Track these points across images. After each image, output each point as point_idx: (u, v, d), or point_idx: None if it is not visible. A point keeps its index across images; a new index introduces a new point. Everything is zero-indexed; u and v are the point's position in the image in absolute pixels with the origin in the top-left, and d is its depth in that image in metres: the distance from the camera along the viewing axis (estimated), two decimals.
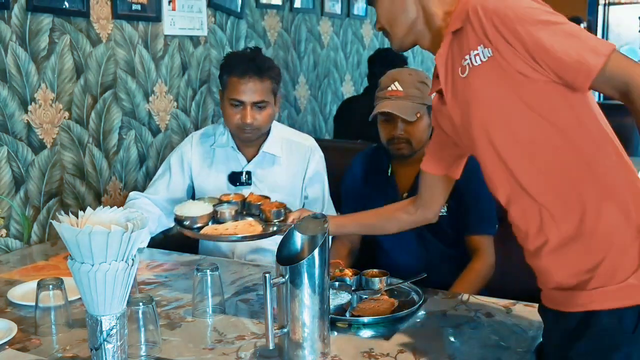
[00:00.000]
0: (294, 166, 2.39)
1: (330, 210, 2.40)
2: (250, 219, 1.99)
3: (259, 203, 2.03)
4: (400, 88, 2.12)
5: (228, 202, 2.04)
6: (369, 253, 2.29)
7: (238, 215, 2.00)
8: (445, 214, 2.16)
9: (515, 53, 1.27)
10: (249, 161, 2.37)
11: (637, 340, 1.30)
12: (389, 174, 2.24)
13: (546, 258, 1.38)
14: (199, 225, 1.92)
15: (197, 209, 1.95)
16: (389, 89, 2.14)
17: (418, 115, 2.11)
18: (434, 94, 1.53)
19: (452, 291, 1.99)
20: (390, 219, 1.85)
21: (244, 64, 2.22)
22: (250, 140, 2.34)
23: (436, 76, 1.51)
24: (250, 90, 2.21)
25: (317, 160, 2.42)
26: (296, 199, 2.39)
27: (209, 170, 2.39)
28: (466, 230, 2.16)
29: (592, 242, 1.32)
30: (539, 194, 1.35)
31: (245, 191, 2.35)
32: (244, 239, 1.90)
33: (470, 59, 1.33)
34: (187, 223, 1.91)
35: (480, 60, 1.32)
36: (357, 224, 1.94)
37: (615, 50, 1.22)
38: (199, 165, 2.39)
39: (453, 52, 1.39)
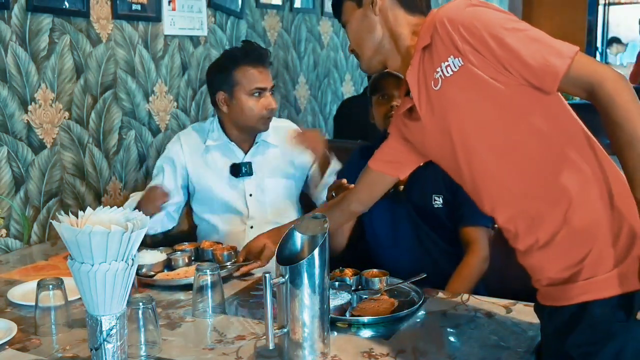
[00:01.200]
0: (286, 149, 2.45)
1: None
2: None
3: (212, 249, 2.13)
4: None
5: (182, 250, 2.14)
6: (368, 253, 2.29)
7: (191, 262, 2.09)
8: (441, 206, 2.15)
9: (485, 60, 1.31)
10: (245, 152, 2.42)
11: (630, 329, 1.31)
12: None
13: (537, 255, 1.40)
14: (152, 273, 2.01)
15: (151, 258, 2.04)
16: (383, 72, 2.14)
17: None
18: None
19: (448, 289, 1.99)
20: (330, 217, 1.84)
21: (255, 52, 2.31)
22: (267, 127, 2.39)
23: (404, 94, 1.54)
24: (266, 76, 2.32)
25: None
26: (299, 183, 2.48)
27: (206, 167, 2.41)
28: (460, 221, 2.15)
29: (579, 234, 1.34)
30: (525, 195, 1.38)
31: (248, 181, 2.40)
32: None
33: (442, 70, 1.37)
34: (142, 271, 1.98)
35: (452, 70, 1.35)
36: None
37: (578, 52, 1.27)
38: (194, 164, 2.42)
39: (424, 68, 1.41)
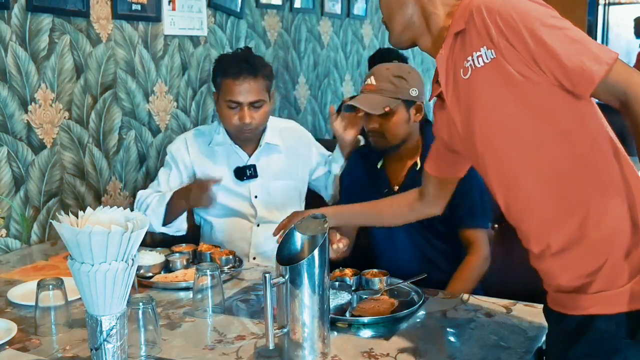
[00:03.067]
0: (293, 152, 2.46)
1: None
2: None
3: (210, 252, 2.12)
4: (373, 82, 2.15)
5: (180, 252, 2.14)
6: (368, 253, 2.29)
7: (189, 264, 2.09)
8: None
9: (518, 55, 1.25)
10: (249, 155, 2.41)
11: (635, 346, 1.29)
12: (379, 167, 2.25)
13: (549, 261, 1.37)
14: (150, 274, 2.02)
15: (150, 259, 2.05)
16: (365, 83, 2.18)
17: (387, 109, 2.11)
18: (434, 99, 1.52)
19: (448, 288, 1.99)
20: (396, 212, 1.82)
21: (238, 64, 2.25)
22: (250, 140, 2.37)
23: (436, 80, 1.50)
24: (245, 90, 2.24)
25: (312, 139, 2.55)
26: (303, 184, 2.48)
27: (212, 168, 2.40)
28: (459, 224, 2.15)
29: (594, 246, 1.31)
30: (540, 200, 1.34)
31: (253, 184, 2.40)
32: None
33: (473, 60, 1.32)
34: (140, 272, 1.98)
35: (483, 61, 1.30)
36: (362, 214, 1.91)
37: (617, 58, 1.22)
38: (201, 166, 2.41)
39: (455, 54, 1.37)
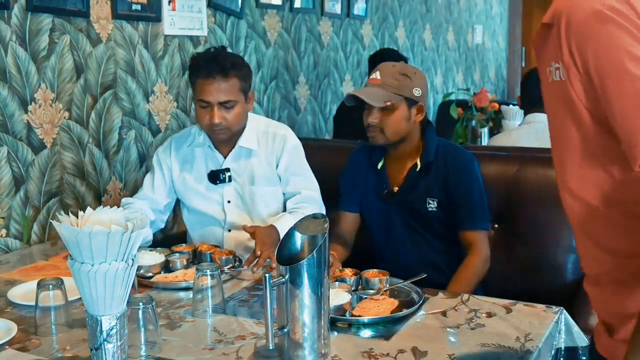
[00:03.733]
0: (269, 155, 2.37)
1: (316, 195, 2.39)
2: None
3: (210, 252, 2.12)
4: (379, 77, 2.15)
5: (180, 252, 2.14)
6: (368, 253, 2.29)
7: (189, 264, 2.09)
8: (435, 209, 2.16)
9: (582, 82, 1.10)
10: (225, 157, 2.36)
11: None
12: (379, 168, 2.25)
13: (589, 286, 1.30)
14: (150, 274, 2.02)
15: (150, 259, 2.05)
16: (370, 77, 2.19)
17: (388, 103, 2.11)
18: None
19: (448, 289, 1.99)
20: None
21: (208, 64, 2.21)
22: (224, 141, 2.32)
23: None
24: (215, 90, 2.18)
25: (290, 150, 2.37)
26: (276, 185, 2.38)
27: (190, 171, 2.38)
28: (459, 226, 2.15)
29: (628, 289, 1.19)
30: (575, 228, 1.26)
31: (227, 188, 2.36)
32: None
33: (552, 70, 1.16)
34: (140, 272, 1.98)
35: (559, 77, 1.14)
36: None
37: None
38: (179, 167, 2.39)
39: (543, 48, 1.20)
